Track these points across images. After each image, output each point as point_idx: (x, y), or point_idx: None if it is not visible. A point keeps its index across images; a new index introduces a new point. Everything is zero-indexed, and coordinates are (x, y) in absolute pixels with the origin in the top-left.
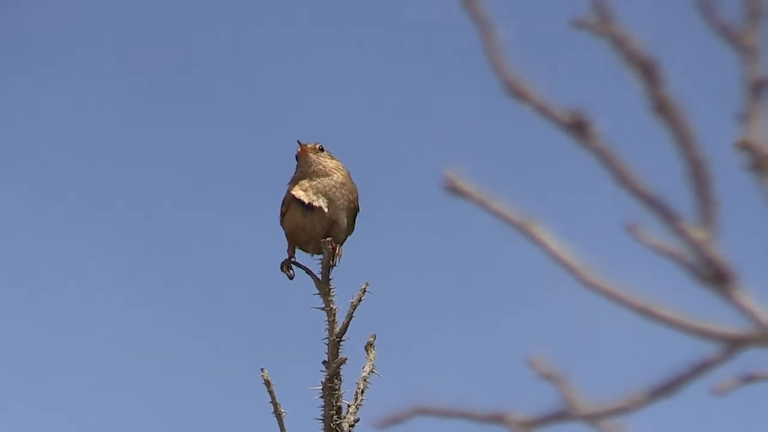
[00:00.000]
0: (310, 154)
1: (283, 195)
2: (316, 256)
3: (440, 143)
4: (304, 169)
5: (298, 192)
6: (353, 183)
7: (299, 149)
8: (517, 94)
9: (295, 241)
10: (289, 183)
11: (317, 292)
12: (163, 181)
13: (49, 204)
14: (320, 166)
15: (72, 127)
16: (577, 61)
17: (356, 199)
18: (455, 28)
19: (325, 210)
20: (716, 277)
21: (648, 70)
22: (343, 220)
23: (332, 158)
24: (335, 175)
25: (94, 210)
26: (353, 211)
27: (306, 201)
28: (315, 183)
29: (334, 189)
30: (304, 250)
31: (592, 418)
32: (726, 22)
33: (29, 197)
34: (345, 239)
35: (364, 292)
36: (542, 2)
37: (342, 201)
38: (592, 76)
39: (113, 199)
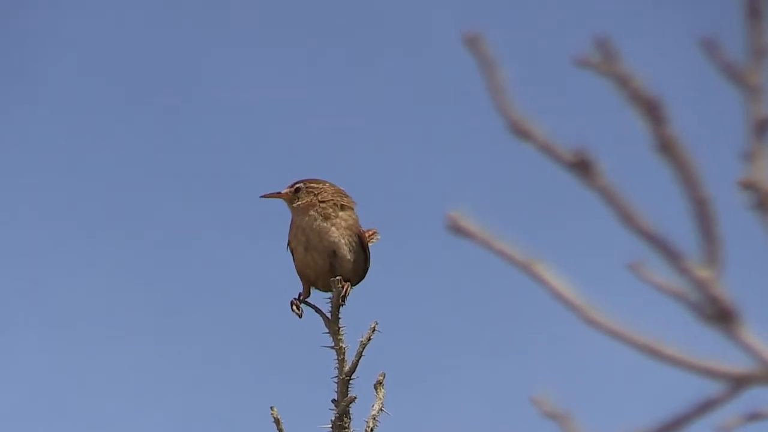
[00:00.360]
0: (293, 200)
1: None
2: (325, 294)
3: (445, 179)
4: (293, 212)
5: (290, 237)
6: (351, 214)
7: (279, 197)
8: (520, 133)
9: (305, 278)
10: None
11: (327, 330)
12: (171, 213)
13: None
14: (303, 209)
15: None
16: (580, 100)
17: (356, 228)
18: (459, 67)
19: (318, 246)
20: (720, 315)
21: (652, 109)
22: (343, 252)
23: (307, 194)
24: (313, 211)
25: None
26: (360, 243)
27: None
28: (298, 223)
29: (312, 228)
30: (315, 288)
31: None
32: (730, 62)
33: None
34: (363, 276)
35: (373, 331)
36: (545, 42)
37: (323, 231)
38: (595, 115)
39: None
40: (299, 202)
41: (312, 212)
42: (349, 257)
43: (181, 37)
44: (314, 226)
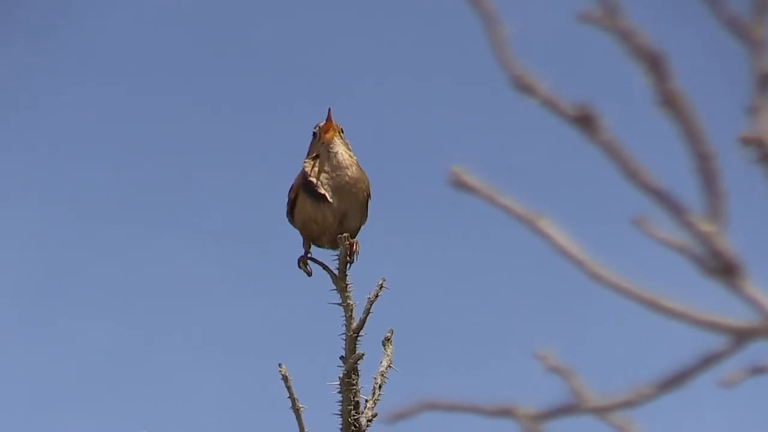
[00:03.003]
0: (336, 138)
1: (293, 181)
2: (332, 250)
3: (447, 136)
4: (322, 153)
5: (312, 178)
6: (363, 171)
7: (325, 126)
8: (523, 88)
9: (308, 235)
10: (303, 162)
11: (334, 287)
12: (172, 174)
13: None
14: (339, 157)
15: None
16: (583, 55)
17: (368, 188)
18: (460, 21)
19: (334, 203)
20: (724, 269)
21: (654, 64)
22: (355, 215)
23: (347, 147)
24: (350, 170)
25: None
26: (366, 200)
27: (321, 191)
28: (328, 175)
29: (347, 185)
30: (318, 245)
31: (601, 411)
32: (733, 16)
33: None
34: (359, 230)
35: (381, 288)
36: None
37: (354, 195)
38: (598, 70)
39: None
40: (341, 152)
41: (348, 169)
42: (357, 220)
43: None
44: (349, 186)
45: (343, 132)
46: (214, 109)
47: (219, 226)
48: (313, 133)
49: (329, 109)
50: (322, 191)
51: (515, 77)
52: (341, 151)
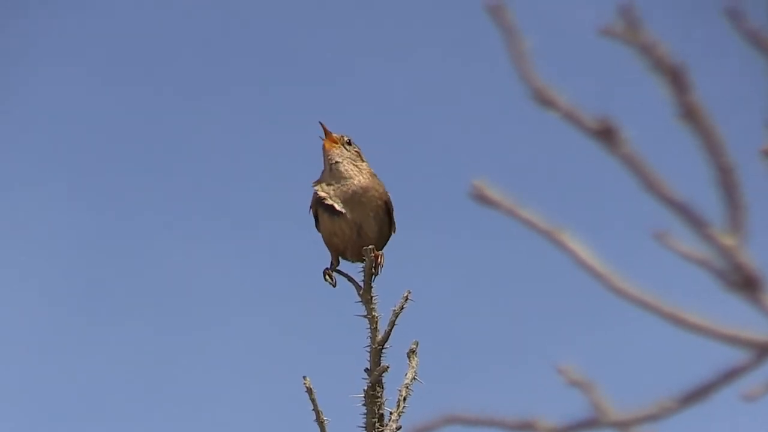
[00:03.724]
0: (334, 149)
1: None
2: (358, 263)
3: (471, 149)
4: (326, 167)
5: (321, 193)
6: (380, 182)
7: (324, 138)
8: (544, 101)
9: (334, 248)
10: (315, 181)
11: (359, 299)
12: (190, 185)
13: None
14: (341, 167)
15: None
16: (604, 68)
17: (385, 196)
18: (481, 35)
19: (347, 214)
20: (745, 283)
21: (675, 77)
22: (371, 224)
23: (357, 157)
24: (357, 179)
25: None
26: (386, 211)
27: (329, 203)
28: (335, 187)
29: (355, 195)
30: (344, 258)
31: (622, 425)
32: (754, 28)
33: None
34: (386, 242)
35: (406, 300)
36: (569, 9)
37: (365, 205)
38: (619, 83)
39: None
40: (345, 162)
41: (355, 178)
42: (375, 232)
43: None
44: (358, 196)
45: (350, 142)
46: (252, 118)
47: (249, 235)
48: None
49: (321, 123)
50: (330, 202)
51: (536, 90)
52: (343, 161)
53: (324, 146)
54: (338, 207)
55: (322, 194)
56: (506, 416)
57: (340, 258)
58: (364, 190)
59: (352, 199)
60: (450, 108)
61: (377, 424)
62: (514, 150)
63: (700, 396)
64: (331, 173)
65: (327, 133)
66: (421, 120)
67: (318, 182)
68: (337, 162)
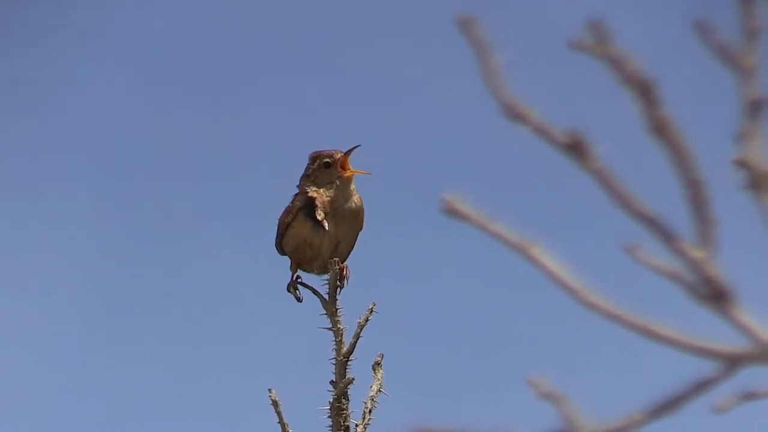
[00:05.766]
0: (352, 180)
1: (289, 204)
2: (322, 276)
3: (440, 163)
4: (338, 186)
5: (318, 204)
6: (362, 203)
7: (344, 162)
8: (515, 115)
9: (299, 258)
10: (303, 186)
11: (324, 312)
12: (159, 199)
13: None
14: (354, 194)
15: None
16: (574, 83)
17: (363, 219)
18: (452, 50)
19: (331, 230)
20: (715, 295)
21: (645, 91)
22: (349, 242)
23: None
24: (356, 204)
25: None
26: (360, 230)
27: (320, 218)
28: (337, 206)
29: (349, 216)
30: (306, 270)
31: None
32: (723, 43)
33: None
34: (348, 255)
35: (371, 312)
36: (539, 24)
37: (351, 226)
38: (589, 97)
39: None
40: (352, 189)
41: (354, 204)
42: (349, 247)
43: None
44: (352, 217)
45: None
46: (284, 127)
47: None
48: (326, 162)
49: (354, 148)
50: (320, 217)
51: (507, 105)
52: (355, 188)
53: (341, 167)
54: (326, 225)
55: (319, 206)
56: (475, 429)
57: (300, 269)
58: (357, 214)
59: (346, 219)
60: (420, 118)
61: None
62: (484, 163)
63: (670, 408)
64: (343, 195)
65: (347, 166)
66: (389, 130)
67: (315, 186)
68: (353, 188)
